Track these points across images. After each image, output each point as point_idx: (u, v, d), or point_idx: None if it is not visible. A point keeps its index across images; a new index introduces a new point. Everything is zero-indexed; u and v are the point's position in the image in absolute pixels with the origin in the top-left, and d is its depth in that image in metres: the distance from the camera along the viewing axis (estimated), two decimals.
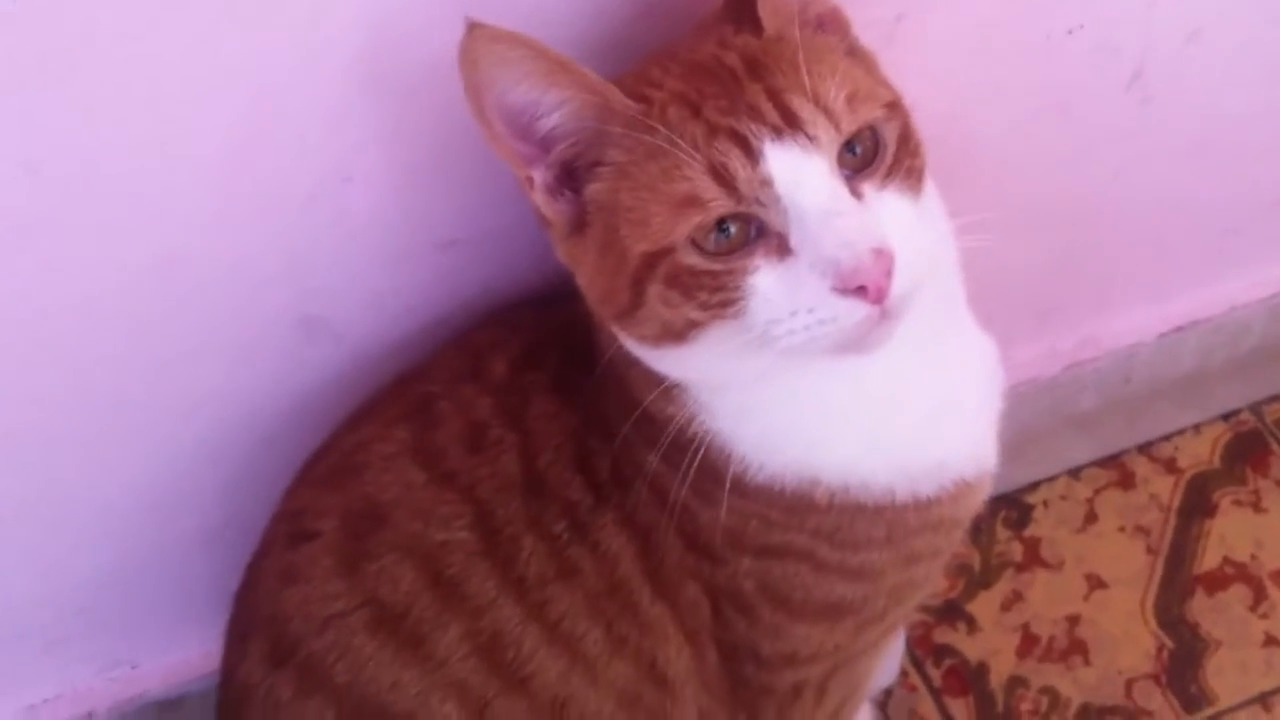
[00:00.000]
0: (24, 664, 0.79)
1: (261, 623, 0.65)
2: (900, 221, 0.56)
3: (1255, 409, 1.11)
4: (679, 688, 0.67)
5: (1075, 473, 1.08)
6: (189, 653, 0.80)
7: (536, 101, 0.54)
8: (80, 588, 0.75)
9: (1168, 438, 1.10)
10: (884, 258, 0.53)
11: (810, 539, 0.64)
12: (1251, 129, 0.91)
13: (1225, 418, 1.11)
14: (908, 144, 0.57)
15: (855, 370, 0.59)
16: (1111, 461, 1.09)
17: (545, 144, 0.55)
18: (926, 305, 0.57)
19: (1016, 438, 0.93)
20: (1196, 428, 1.10)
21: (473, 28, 0.52)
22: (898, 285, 0.54)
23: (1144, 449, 1.10)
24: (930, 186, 0.61)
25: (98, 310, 0.63)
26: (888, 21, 0.69)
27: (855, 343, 0.55)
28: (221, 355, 0.66)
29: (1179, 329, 1.03)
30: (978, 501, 0.68)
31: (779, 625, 0.67)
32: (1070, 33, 0.77)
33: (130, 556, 0.74)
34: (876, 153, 0.56)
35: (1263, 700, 0.96)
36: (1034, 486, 1.07)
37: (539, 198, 0.56)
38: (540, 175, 0.56)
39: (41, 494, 0.70)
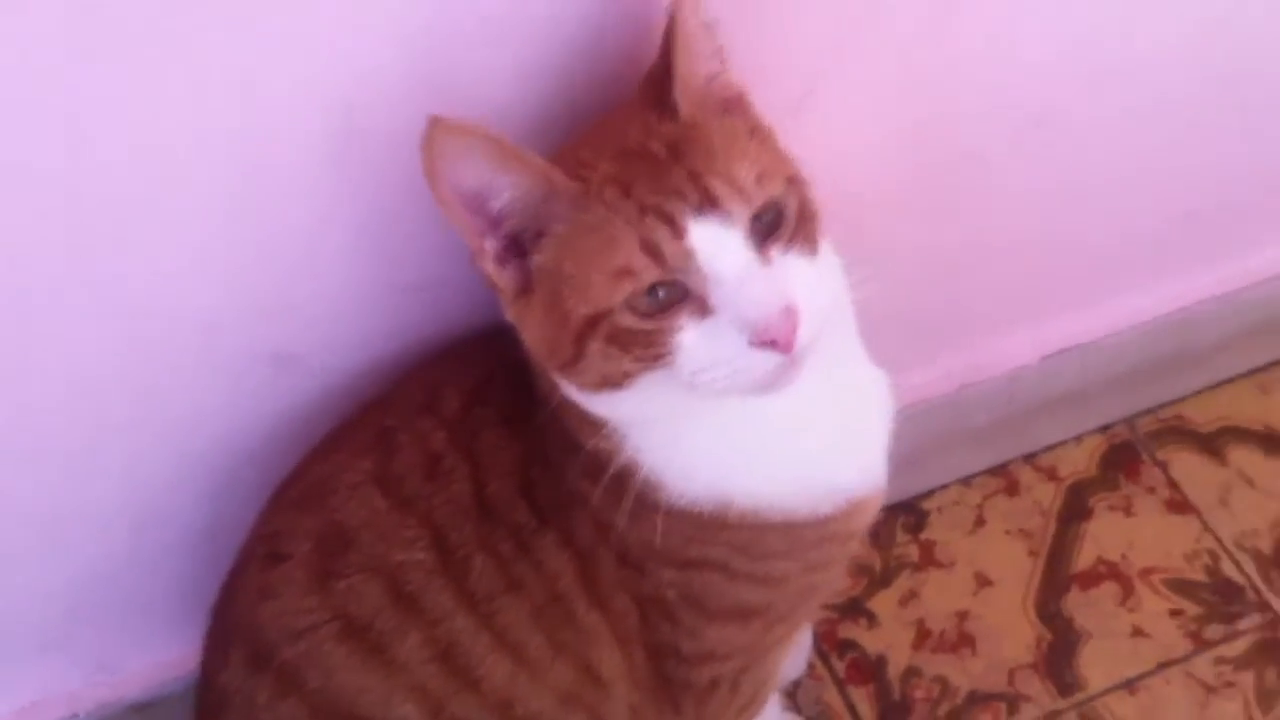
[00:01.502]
0: (10, 669, 0.86)
1: (241, 633, 0.73)
2: (803, 280, 0.65)
3: (1129, 422, 1.22)
4: (612, 685, 0.76)
5: (967, 481, 1.19)
6: (167, 655, 0.87)
7: (489, 184, 0.62)
8: (64, 596, 0.82)
9: (1050, 449, 1.21)
10: (791, 314, 0.62)
11: (724, 552, 0.74)
12: (1124, 176, 1.02)
13: (1102, 430, 1.22)
14: (805, 211, 0.66)
15: (763, 406, 0.68)
16: (999, 470, 1.19)
17: (496, 219, 0.63)
18: (824, 347, 0.67)
19: (914, 450, 1.03)
20: (1077, 439, 1.21)
21: (434, 122, 0.60)
22: (802, 336, 0.63)
23: (1029, 459, 1.20)
24: (826, 243, 0.70)
25: (87, 341, 0.70)
26: (797, 96, 0.79)
27: (767, 385, 0.64)
28: (201, 385, 0.74)
29: (1060, 352, 1.13)
30: (870, 515, 0.78)
31: (697, 627, 0.76)
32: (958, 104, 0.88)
33: (111, 565, 0.81)
34: (780, 222, 0.65)
35: (1129, 685, 1.07)
36: (929, 494, 1.17)
37: (489, 265, 0.64)
38: (491, 245, 0.64)
39: (28, 505, 0.77)
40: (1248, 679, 1.06)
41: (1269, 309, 1.18)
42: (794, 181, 0.66)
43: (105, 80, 0.60)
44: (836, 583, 0.87)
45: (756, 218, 0.63)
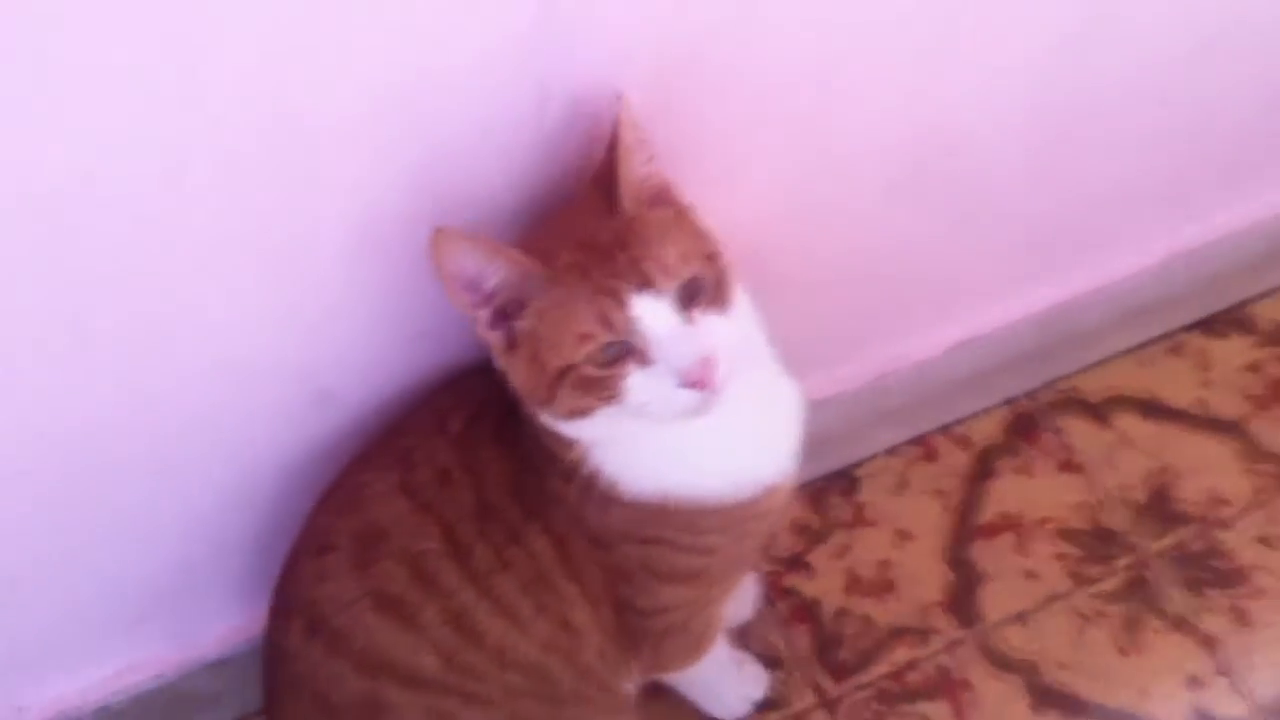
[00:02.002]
0: (108, 639, 1.08)
1: (299, 607, 0.95)
2: (719, 332, 0.85)
3: (1031, 395, 1.42)
4: (584, 635, 0.98)
5: (892, 451, 1.38)
6: (238, 622, 1.09)
7: (480, 272, 0.82)
8: (155, 580, 1.03)
9: (963, 421, 1.40)
10: (709, 362, 0.83)
11: (671, 532, 0.95)
12: (1002, 203, 1.22)
13: (1007, 403, 1.42)
14: (720, 279, 0.86)
15: (693, 424, 0.89)
16: (920, 441, 1.39)
17: (487, 296, 0.83)
18: (742, 374, 0.87)
19: (847, 428, 1.25)
20: (986, 411, 1.41)
21: (437, 231, 0.80)
22: (720, 376, 0.83)
23: (945, 430, 1.40)
24: (739, 296, 0.90)
25: (181, 382, 0.90)
26: (715, 173, 0.99)
27: (694, 413, 0.84)
28: (263, 419, 0.95)
29: (964, 342, 1.34)
30: (783, 497, 0.98)
31: (651, 589, 0.98)
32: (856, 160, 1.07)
33: (192, 557, 1.03)
34: (700, 290, 0.84)
35: (1020, 617, 1.29)
36: (861, 464, 1.37)
37: (483, 330, 0.85)
38: (484, 315, 0.85)
39: (126, 510, 0.97)
40: (1118, 611, 1.29)
41: (1141, 296, 1.38)
42: (710, 257, 0.86)
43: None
44: (759, 549, 1.09)
45: (681, 289, 0.83)
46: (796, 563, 1.32)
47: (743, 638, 1.27)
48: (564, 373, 0.83)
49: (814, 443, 1.29)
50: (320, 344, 0.93)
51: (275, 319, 0.89)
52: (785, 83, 0.96)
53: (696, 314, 0.84)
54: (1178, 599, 1.29)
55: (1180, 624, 1.28)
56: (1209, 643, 1.27)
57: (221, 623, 1.10)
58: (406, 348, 0.96)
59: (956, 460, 1.38)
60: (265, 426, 0.96)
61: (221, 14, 0.70)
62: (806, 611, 1.30)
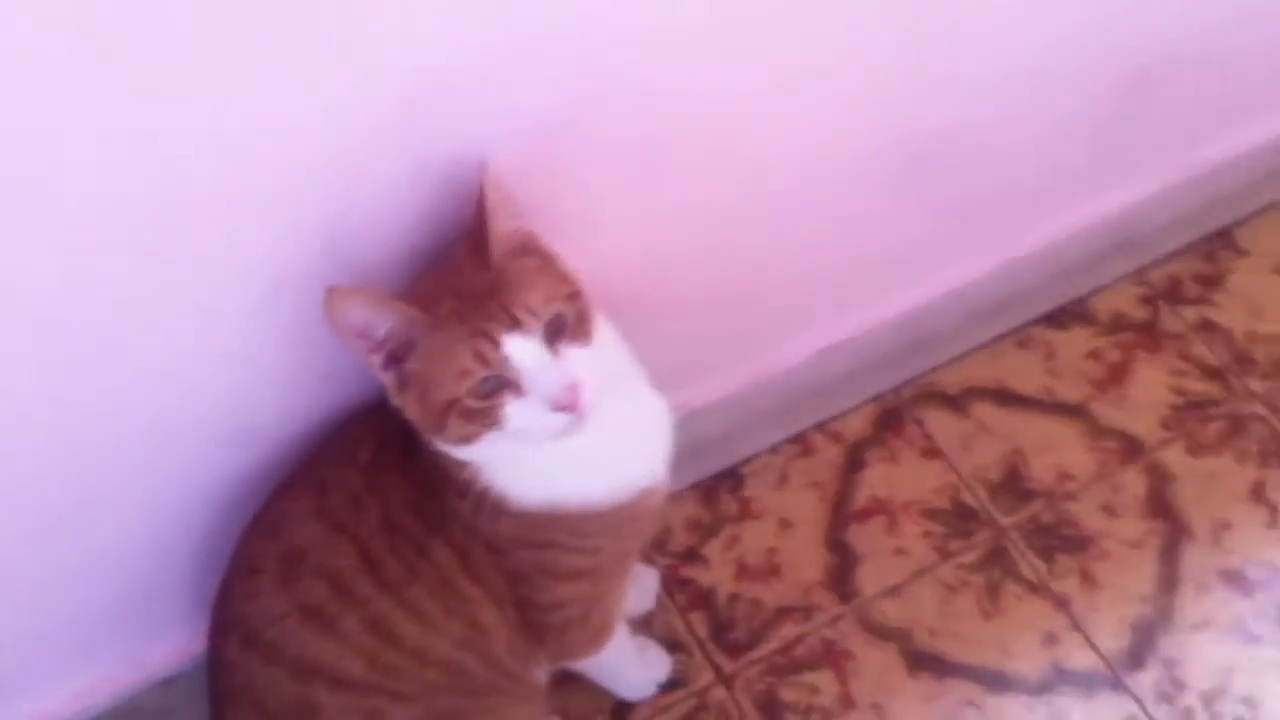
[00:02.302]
0: (63, 668, 1.19)
1: (234, 623, 1.07)
2: (583, 363, 0.98)
3: (894, 391, 1.57)
4: (493, 632, 1.11)
5: (773, 449, 1.53)
6: (183, 643, 1.21)
7: (370, 323, 0.95)
8: (104, 611, 1.16)
9: (835, 418, 1.54)
10: (575, 389, 0.96)
11: (560, 535, 1.08)
12: (849, 226, 1.37)
13: (875, 399, 1.58)
14: (581, 316, 0.99)
15: (570, 440, 1.02)
16: (798, 439, 1.53)
17: (380, 343, 0.96)
18: (610, 396, 1.01)
19: (729, 431, 1.39)
20: (856, 408, 1.56)
21: (330, 290, 0.93)
22: (585, 401, 0.97)
23: (819, 427, 1.54)
24: (602, 326, 1.04)
25: (122, 437, 1.03)
26: (579, 221, 1.12)
27: (567, 434, 0.97)
28: (195, 454, 1.08)
29: (831, 347, 1.49)
30: (659, 498, 1.11)
31: (548, 587, 1.11)
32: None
33: (138, 587, 1.15)
34: (563, 327, 0.98)
35: (893, 590, 1.44)
36: (746, 461, 1.51)
37: (377, 372, 0.97)
38: (377, 359, 0.97)
39: (84, 544, 1.09)
40: (980, 579, 1.44)
41: (989, 296, 1.54)
42: (572, 297, 0.99)
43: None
44: (641, 546, 1.22)
45: (547, 327, 0.97)
46: (691, 556, 1.46)
47: (646, 626, 1.41)
48: (450, 406, 0.97)
49: (701, 445, 1.45)
50: (242, 387, 1.05)
51: (202, 365, 1.02)
52: (634, 148, 1.10)
53: (561, 347, 0.98)
54: (1032, 566, 1.45)
55: (1035, 588, 1.43)
56: (1061, 603, 1.42)
57: (168, 643, 1.22)
58: (317, 387, 1.09)
59: (831, 454, 1.53)
60: (199, 463, 1.08)
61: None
62: (702, 599, 1.44)
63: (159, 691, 1.24)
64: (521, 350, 0.95)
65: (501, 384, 0.96)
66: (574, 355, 0.98)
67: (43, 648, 1.15)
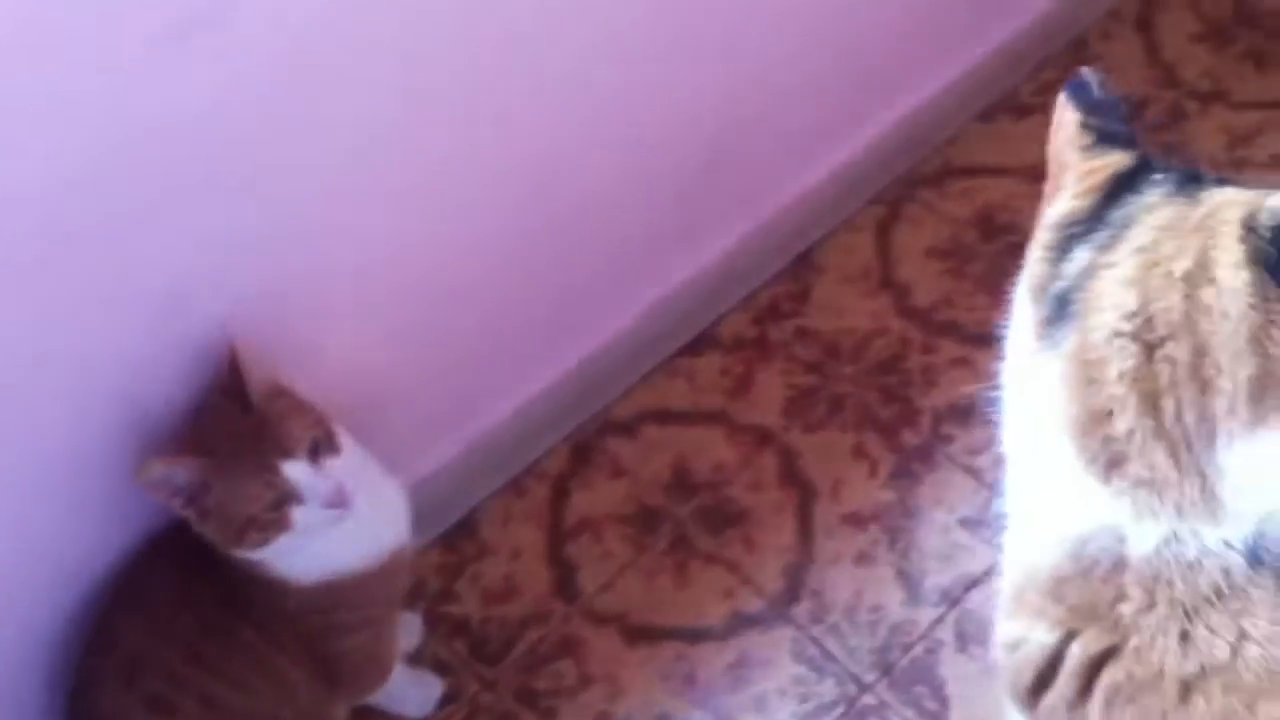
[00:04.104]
0: None
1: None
2: (340, 467, 1.31)
3: (581, 429, 1.94)
4: (299, 685, 1.42)
5: (494, 495, 1.80)
6: None
7: (169, 479, 1.25)
8: None
9: (539, 460, 1.86)
10: (341, 490, 1.29)
11: (335, 601, 1.41)
12: (497, 298, 1.75)
13: (566, 438, 1.94)
14: (330, 433, 1.33)
15: (337, 526, 1.35)
16: (513, 484, 1.82)
17: (180, 490, 1.25)
18: (360, 487, 1.35)
19: (456, 490, 1.75)
20: (554, 449, 1.89)
21: (140, 467, 1.23)
22: (349, 495, 1.30)
23: (528, 470, 1.85)
24: (345, 437, 1.37)
25: None
26: (314, 362, 1.45)
27: (339, 522, 1.31)
28: (28, 598, 1.34)
29: (525, 403, 1.83)
30: (408, 554, 1.47)
31: (335, 640, 1.44)
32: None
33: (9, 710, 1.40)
34: (320, 445, 1.32)
35: (607, 585, 1.81)
36: (475, 510, 1.75)
37: (181, 511, 1.28)
38: (178, 502, 1.27)
39: None
40: (670, 561, 1.76)
41: (639, 339, 1.92)
42: (319, 421, 1.33)
43: None
44: (403, 592, 1.57)
45: (309, 449, 1.30)
46: (445, 594, 1.74)
47: (418, 658, 1.64)
48: (249, 522, 1.28)
49: (436, 504, 1.78)
50: (68, 531, 1.33)
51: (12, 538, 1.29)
52: (343, 304, 1.45)
53: (324, 461, 1.31)
54: (706, 542, 1.79)
55: (712, 558, 1.76)
56: (732, 566, 1.76)
57: None
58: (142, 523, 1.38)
59: (541, 491, 1.84)
60: (28, 607, 1.35)
61: None
62: (460, 626, 1.69)
63: None
64: (296, 471, 1.28)
65: (285, 498, 1.28)
66: (332, 464, 1.32)
67: None
